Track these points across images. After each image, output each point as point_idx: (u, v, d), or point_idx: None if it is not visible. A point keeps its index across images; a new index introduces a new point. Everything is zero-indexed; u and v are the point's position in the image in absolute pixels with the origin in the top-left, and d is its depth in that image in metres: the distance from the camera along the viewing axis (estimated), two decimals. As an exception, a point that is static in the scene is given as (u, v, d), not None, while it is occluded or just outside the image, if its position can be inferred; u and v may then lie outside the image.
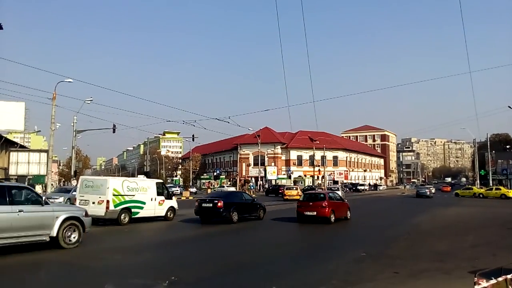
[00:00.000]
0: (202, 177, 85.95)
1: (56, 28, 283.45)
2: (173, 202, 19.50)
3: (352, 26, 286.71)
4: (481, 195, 48.84)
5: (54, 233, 9.94)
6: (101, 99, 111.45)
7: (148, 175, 64.20)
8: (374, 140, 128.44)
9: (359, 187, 73.07)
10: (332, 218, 17.65)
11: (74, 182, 42.72)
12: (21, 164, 34.03)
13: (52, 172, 42.06)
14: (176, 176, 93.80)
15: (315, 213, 17.53)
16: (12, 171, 34.77)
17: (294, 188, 43.31)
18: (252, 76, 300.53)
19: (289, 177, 75.09)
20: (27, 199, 9.86)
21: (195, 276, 7.83)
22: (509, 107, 45.56)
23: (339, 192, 30.14)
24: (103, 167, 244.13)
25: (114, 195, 16.23)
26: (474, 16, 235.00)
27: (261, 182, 70.49)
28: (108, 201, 15.90)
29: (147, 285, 7.00)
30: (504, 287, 3.82)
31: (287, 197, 38.37)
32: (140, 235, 14.76)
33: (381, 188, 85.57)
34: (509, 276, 3.87)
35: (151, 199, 17.95)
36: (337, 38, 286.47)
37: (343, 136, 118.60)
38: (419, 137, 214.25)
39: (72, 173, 44.45)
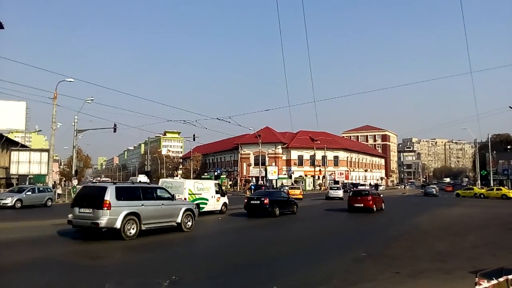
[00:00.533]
0: (202, 176, 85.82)
1: (57, 28, 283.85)
2: (226, 199, 23.54)
3: (352, 25, 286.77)
4: (482, 196, 48.79)
5: (179, 220, 13.72)
6: (102, 98, 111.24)
7: (149, 174, 64.50)
8: (375, 140, 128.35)
9: (359, 187, 72.96)
10: (374, 208, 23.79)
11: (75, 182, 42.75)
12: (22, 164, 34.12)
13: (53, 171, 42.15)
14: (177, 175, 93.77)
15: (362, 205, 23.83)
16: (13, 170, 34.85)
17: (297, 188, 44.00)
18: (252, 76, 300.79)
19: (290, 177, 75.04)
20: (164, 196, 13.65)
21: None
22: (510, 107, 45.55)
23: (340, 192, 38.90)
24: (104, 166, 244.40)
25: (189, 193, 20.37)
26: (475, 16, 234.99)
27: (261, 182, 70.48)
28: (185, 199, 19.43)
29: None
30: (505, 287, 3.82)
31: (291, 196, 38.52)
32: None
33: (380, 188, 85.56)
34: (510, 277, 3.87)
35: (212, 197, 22.10)
36: (337, 37, 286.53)
37: (344, 136, 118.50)
38: (420, 137, 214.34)
39: (73, 172, 44.48)
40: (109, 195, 11.39)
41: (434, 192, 52.74)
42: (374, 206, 23.69)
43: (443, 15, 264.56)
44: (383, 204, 25.95)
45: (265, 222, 18.67)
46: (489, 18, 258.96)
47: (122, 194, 11.94)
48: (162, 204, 13.12)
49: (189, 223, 14.18)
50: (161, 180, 22.93)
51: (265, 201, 20.54)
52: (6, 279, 7.49)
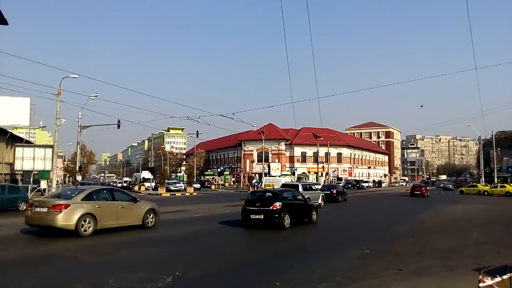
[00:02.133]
0: (206, 173, 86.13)
1: (61, 24, 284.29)
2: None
3: (357, 22, 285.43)
4: (486, 193, 48.57)
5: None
6: (106, 95, 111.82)
7: (152, 171, 64.56)
8: (378, 137, 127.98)
9: (363, 184, 72.94)
10: (426, 195, 40.88)
11: (79, 178, 43.00)
12: (26, 160, 34.21)
13: (57, 167, 42.24)
14: (180, 172, 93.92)
15: (419, 192, 41.39)
16: (17, 166, 34.96)
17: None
18: (256, 72, 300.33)
19: (293, 173, 75.01)
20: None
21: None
22: (515, 104, 45.26)
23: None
24: (107, 162, 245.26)
25: None
26: (479, 13, 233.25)
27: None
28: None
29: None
30: (509, 285, 3.81)
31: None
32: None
33: (383, 185, 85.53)
34: (514, 274, 3.85)
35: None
36: (341, 34, 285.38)
37: (347, 133, 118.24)
38: (423, 134, 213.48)
39: (77, 168, 44.73)
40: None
41: (451, 187, 68.53)
42: (426, 193, 41.53)
43: (448, 12, 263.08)
44: (427, 192, 42.41)
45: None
46: (494, 15, 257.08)
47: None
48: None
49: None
50: (264, 178, 24.91)
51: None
52: (11, 273, 7.56)
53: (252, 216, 14.63)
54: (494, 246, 11.31)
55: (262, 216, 14.33)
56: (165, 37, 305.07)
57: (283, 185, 26.14)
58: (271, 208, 14.23)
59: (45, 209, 11.63)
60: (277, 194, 15.38)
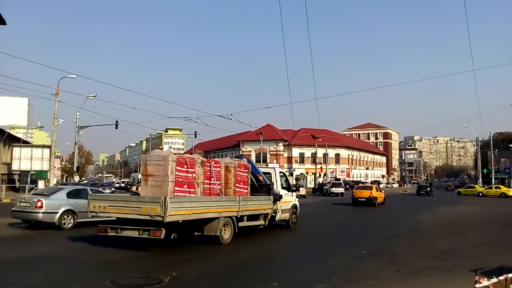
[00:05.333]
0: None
1: (60, 24, 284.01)
2: None
3: (354, 23, 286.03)
4: (480, 194, 48.76)
5: None
6: (104, 95, 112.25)
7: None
8: (376, 138, 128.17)
9: (360, 185, 72.89)
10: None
11: (76, 178, 42.91)
12: (24, 160, 34.14)
13: (55, 167, 42.17)
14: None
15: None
16: (15, 166, 34.88)
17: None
18: (254, 73, 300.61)
19: (291, 174, 75.06)
20: None
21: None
22: (513, 105, 45.34)
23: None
24: (105, 163, 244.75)
25: None
26: (477, 14, 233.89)
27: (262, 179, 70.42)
28: None
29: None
30: (505, 286, 3.82)
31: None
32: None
33: (381, 185, 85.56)
34: (510, 275, 3.86)
35: None
36: (339, 35, 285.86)
37: (345, 134, 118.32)
38: (421, 135, 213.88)
39: (75, 168, 44.65)
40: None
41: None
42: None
43: (446, 14, 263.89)
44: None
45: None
46: (492, 16, 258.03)
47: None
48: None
49: None
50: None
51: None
52: (8, 274, 7.53)
53: None
54: (490, 247, 11.34)
55: None
56: (163, 37, 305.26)
57: None
58: None
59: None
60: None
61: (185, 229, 10.59)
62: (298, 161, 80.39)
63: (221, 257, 9.65)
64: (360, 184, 44.61)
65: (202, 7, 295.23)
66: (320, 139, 74.68)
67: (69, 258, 9.10)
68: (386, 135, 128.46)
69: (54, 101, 33.42)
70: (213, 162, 11.54)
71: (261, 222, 13.24)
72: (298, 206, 16.22)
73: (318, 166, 75.21)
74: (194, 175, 10.43)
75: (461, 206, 30.06)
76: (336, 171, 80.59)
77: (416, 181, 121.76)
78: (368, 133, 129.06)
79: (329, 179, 71.98)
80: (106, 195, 13.79)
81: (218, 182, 11.43)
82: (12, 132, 51.06)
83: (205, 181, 10.90)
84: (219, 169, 11.61)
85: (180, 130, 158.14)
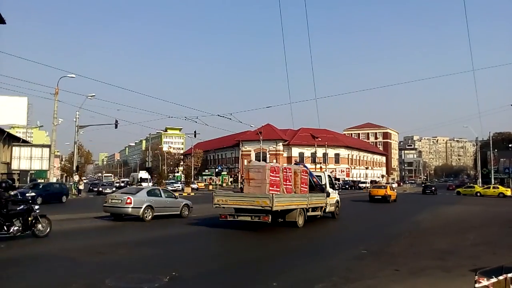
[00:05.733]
0: (203, 173, 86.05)
1: (59, 23, 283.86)
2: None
3: (354, 23, 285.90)
4: (478, 194, 48.80)
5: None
6: (103, 94, 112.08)
7: (150, 171, 64.48)
8: (376, 138, 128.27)
9: (360, 185, 73.10)
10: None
11: (76, 178, 42.83)
12: (23, 159, 34.15)
13: (54, 167, 42.23)
14: (178, 172, 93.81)
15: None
16: (14, 165, 34.88)
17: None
18: (254, 72, 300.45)
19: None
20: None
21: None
22: (512, 105, 45.38)
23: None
24: (105, 162, 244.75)
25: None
26: (477, 14, 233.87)
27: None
28: None
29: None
30: (505, 285, 3.82)
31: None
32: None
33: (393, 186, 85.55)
34: (509, 275, 3.86)
35: None
36: (339, 35, 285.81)
37: (345, 134, 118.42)
38: (421, 135, 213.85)
39: (74, 168, 44.59)
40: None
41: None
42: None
43: (445, 13, 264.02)
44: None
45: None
46: (491, 16, 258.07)
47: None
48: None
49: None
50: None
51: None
52: (7, 273, 7.53)
53: None
54: (490, 247, 11.33)
55: None
56: (162, 36, 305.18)
57: None
58: None
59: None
60: None
61: (277, 217, 14.31)
62: (298, 160, 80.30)
63: (221, 256, 9.65)
64: (376, 184, 49.40)
65: (201, 6, 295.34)
66: (320, 139, 74.74)
67: (68, 258, 9.08)
68: (386, 135, 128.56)
69: (54, 101, 33.40)
70: (288, 169, 15.73)
71: (318, 212, 17.29)
72: (340, 201, 20.15)
73: (318, 166, 75.21)
74: (279, 178, 14.55)
75: (460, 206, 30.07)
76: (335, 171, 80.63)
77: (414, 181, 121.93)
78: (368, 133, 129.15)
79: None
80: (227, 193, 17.95)
81: (291, 183, 15.41)
82: (12, 131, 51.01)
83: (283, 182, 14.87)
84: (291, 173, 15.60)
85: (180, 129, 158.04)
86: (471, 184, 60.82)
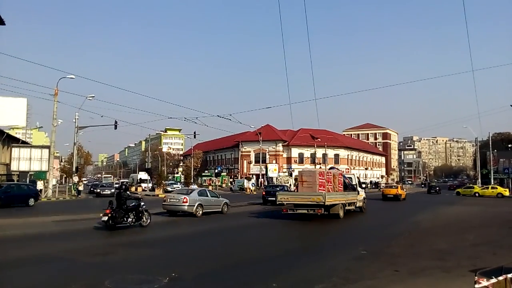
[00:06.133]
0: (203, 174, 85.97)
1: (58, 24, 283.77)
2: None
3: (353, 24, 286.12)
4: (476, 194, 48.82)
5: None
6: (103, 95, 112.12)
7: (149, 172, 64.49)
8: (375, 138, 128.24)
9: (388, 185, 73.01)
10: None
11: (75, 179, 42.78)
12: (23, 160, 34.08)
13: (54, 168, 42.16)
14: (177, 173, 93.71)
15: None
16: (14, 167, 34.81)
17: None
18: (253, 73, 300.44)
19: (290, 174, 75.02)
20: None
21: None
22: (512, 106, 45.44)
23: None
24: (104, 163, 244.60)
25: None
26: (476, 15, 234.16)
27: (262, 179, 70.47)
28: None
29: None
30: (505, 286, 3.82)
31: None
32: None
33: (381, 186, 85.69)
34: (509, 275, 3.87)
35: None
36: (339, 35, 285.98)
37: (344, 134, 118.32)
38: (420, 136, 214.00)
39: (74, 169, 44.55)
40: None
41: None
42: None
43: (445, 14, 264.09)
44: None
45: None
46: (490, 16, 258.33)
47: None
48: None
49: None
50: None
51: None
52: (7, 274, 7.52)
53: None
54: (490, 247, 11.33)
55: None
56: (162, 37, 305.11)
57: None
58: None
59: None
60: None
61: (327, 210, 17.72)
62: (297, 161, 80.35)
63: (220, 256, 9.63)
64: (388, 184, 56.91)
65: (201, 6, 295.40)
66: (319, 140, 74.67)
67: (67, 259, 9.08)
68: (385, 136, 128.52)
69: (53, 102, 33.38)
70: (329, 173, 19.80)
71: (352, 207, 21.07)
72: (366, 198, 23.99)
73: (318, 166, 75.23)
74: (325, 180, 18.55)
75: (460, 206, 30.08)
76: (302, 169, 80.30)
77: (411, 181, 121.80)
78: (367, 134, 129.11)
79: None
80: (289, 192, 24.52)
81: (331, 184, 19.14)
82: (11, 132, 51.00)
83: (327, 183, 18.68)
84: (331, 176, 19.45)
85: (179, 130, 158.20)
86: (471, 185, 60.81)
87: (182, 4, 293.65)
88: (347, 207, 19.81)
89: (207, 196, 21.01)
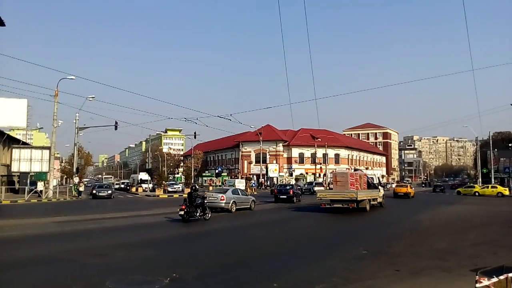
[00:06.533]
0: (204, 174, 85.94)
1: (59, 25, 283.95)
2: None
3: (354, 23, 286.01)
4: (476, 193, 48.77)
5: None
6: (103, 96, 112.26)
7: (150, 172, 64.44)
8: (376, 138, 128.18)
9: (398, 184, 73.02)
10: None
11: (76, 179, 42.77)
12: (23, 161, 34.05)
13: (54, 169, 42.11)
14: (177, 173, 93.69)
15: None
16: (14, 168, 34.79)
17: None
18: (254, 73, 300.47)
19: (291, 174, 75.01)
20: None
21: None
22: (512, 105, 45.38)
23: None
24: (105, 164, 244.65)
25: None
26: (476, 14, 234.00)
27: (262, 179, 70.48)
28: None
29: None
30: (506, 285, 3.81)
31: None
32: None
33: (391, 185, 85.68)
34: (510, 275, 3.86)
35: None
36: (339, 35, 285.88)
37: (345, 134, 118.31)
38: (421, 135, 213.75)
39: (74, 170, 44.53)
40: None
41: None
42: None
43: (445, 14, 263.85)
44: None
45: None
46: (491, 16, 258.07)
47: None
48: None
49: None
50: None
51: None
52: (8, 275, 7.52)
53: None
54: (491, 247, 11.32)
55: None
56: (162, 38, 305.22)
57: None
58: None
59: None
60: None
61: (357, 204, 21.48)
62: (298, 161, 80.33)
63: (221, 257, 9.62)
64: (398, 183, 62.12)
65: (201, 7, 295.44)
66: (320, 139, 74.63)
67: (68, 259, 9.07)
68: (386, 135, 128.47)
69: (54, 103, 33.40)
70: (356, 174, 23.46)
71: (375, 202, 24.92)
72: (384, 195, 27.65)
73: (318, 166, 75.20)
74: (354, 180, 22.09)
75: (461, 206, 30.06)
76: (335, 171, 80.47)
77: (410, 182, 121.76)
78: (368, 133, 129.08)
79: (329, 179, 71.94)
80: (327, 190, 28.66)
81: (359, 183, 22.58)
82: (12, 133, 51.04)
83: (356, 183, 22.12)
84: (358, 176, 22.98)
85: (180, 131, 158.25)
86: (471, 184, 60.76)
87: (182, 4, 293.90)
88: (372, 202, 23.79)
89: (239, 194, 23.83)
